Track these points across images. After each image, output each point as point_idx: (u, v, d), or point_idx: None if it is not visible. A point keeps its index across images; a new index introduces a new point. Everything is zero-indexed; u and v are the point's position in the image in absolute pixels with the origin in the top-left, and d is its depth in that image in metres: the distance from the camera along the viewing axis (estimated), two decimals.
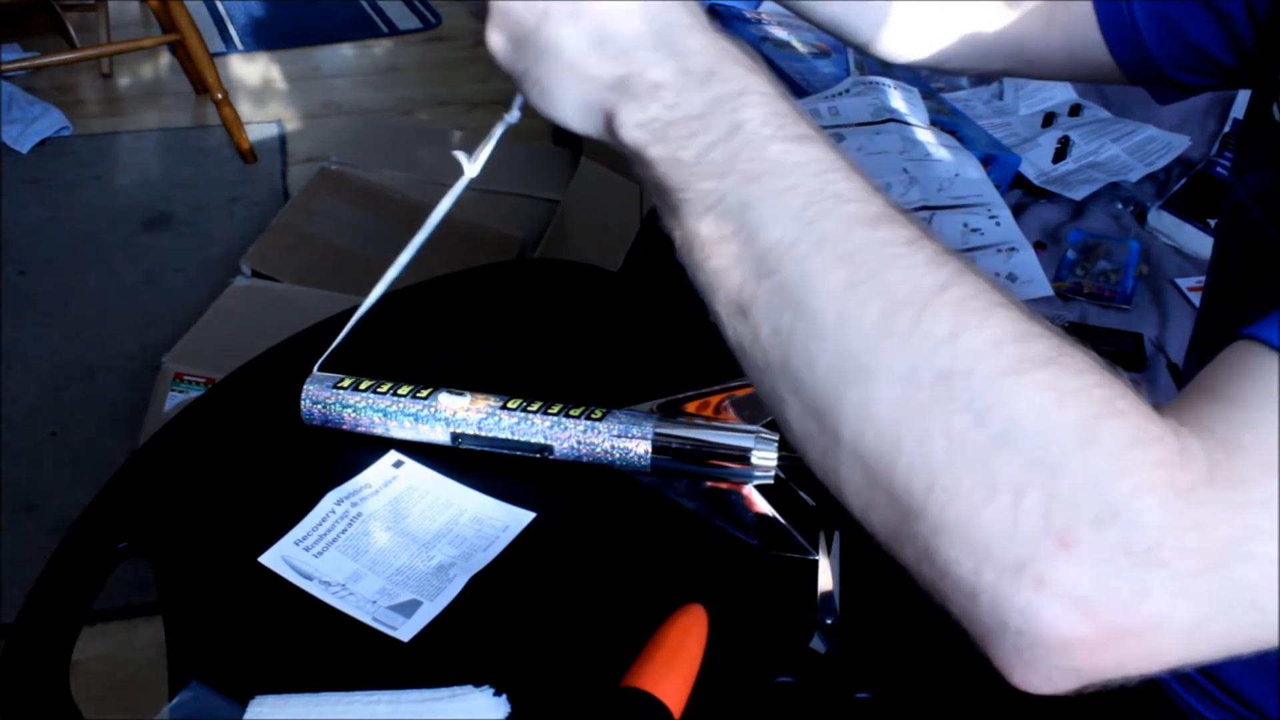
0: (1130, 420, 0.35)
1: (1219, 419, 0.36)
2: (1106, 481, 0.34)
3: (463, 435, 0.74)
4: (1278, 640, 0.35)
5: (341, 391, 0.75)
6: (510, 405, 0.73)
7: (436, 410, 0.74)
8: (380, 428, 0.75)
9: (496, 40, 0.45)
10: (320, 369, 0.77)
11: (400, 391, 0.75)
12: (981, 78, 1.71)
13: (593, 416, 0.72)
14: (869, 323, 0.37)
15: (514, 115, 0.52)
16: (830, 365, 0.38)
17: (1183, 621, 0.34)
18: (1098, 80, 0.73)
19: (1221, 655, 0.36)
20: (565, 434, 0.72)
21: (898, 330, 0.37)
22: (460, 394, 0.74)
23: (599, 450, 0.72)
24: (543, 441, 0.73)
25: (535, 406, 0.73)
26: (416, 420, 0.74)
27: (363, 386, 0.75)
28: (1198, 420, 0.36)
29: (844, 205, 0.39)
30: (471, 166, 0.59)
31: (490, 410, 0.73)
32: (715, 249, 0.41)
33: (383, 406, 0.74)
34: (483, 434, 0.73)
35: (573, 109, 0.44)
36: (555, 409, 0.73)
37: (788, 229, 0.39)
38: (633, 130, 0.42)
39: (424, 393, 0.75)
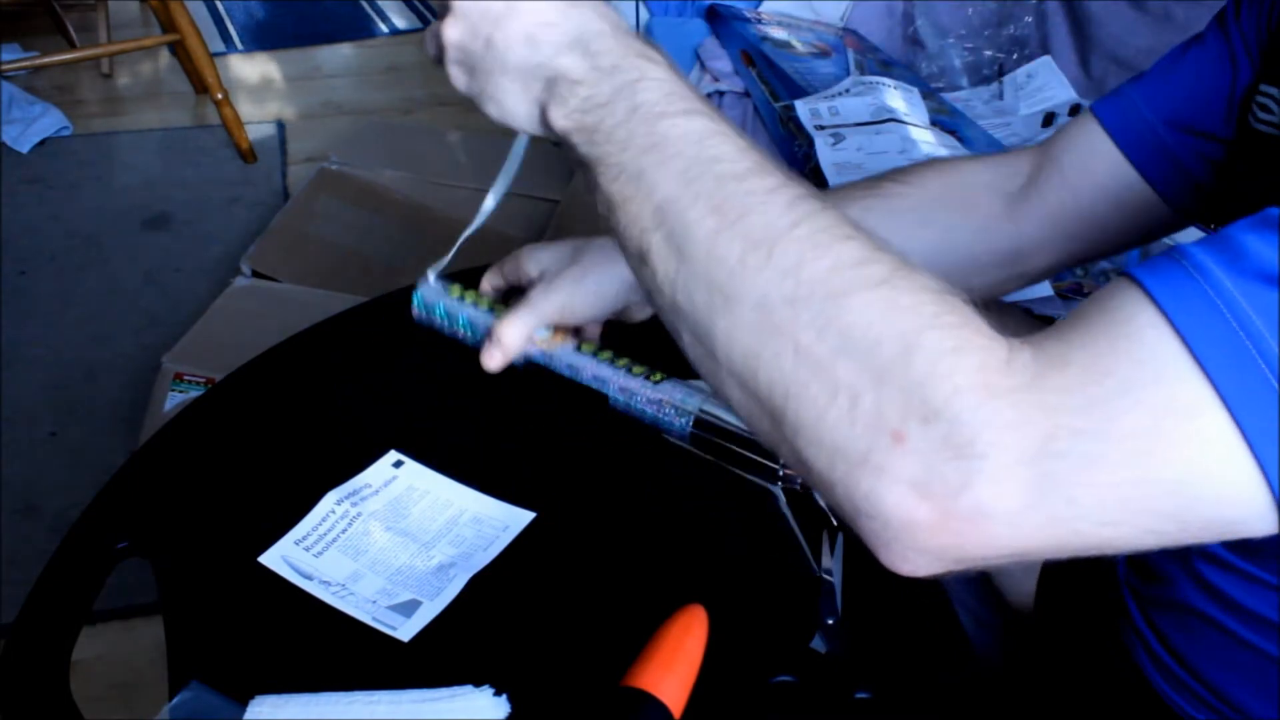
0: (955, 331, 0.40)
1: (1057, 338, 0.40)
2: (929, 384, 0.39)
3: (531, 358, 0.76)
4: (1110, 544, 0.39)
5: (447, 299, 0.78)
6: (583, 348, 0.76)
7: None
8: (468, 338, 0.77)
9: (456, 73, 0.56)
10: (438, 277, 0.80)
11: (496, 309, 0.78)
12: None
13: (651, 378, 0.75)
14: (732, 260, 0.44)
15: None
16: (704, 298, 0.45)
17: (1005, 508, 0.38)
18: (1167, 232, 0.79)
19: (1055, 549, 0.40)
20: (622, 384, 0.74)
21: (753, 265, 0.44)
22: (545, 329, 0.77)
23: (649, 410, 0.74)
24: (599, 378, 0.75)
25: (605, 355, 0.76)
26: None
27: (467, 298, 0.78)
28: (1041, 339, 0.40)
29: (718, 165, 0.47)
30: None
31: (564, 347, 0.76)
32: (622, 209, 0.49)
33: (474, 320, 0.77)
34: (552, 360, 0.76)
35: (519, 112, 0.55)
36: (621, 361, 0.76)
37: (672, 188, 0.47)
38: (561, 120, 0.51)
39: None
